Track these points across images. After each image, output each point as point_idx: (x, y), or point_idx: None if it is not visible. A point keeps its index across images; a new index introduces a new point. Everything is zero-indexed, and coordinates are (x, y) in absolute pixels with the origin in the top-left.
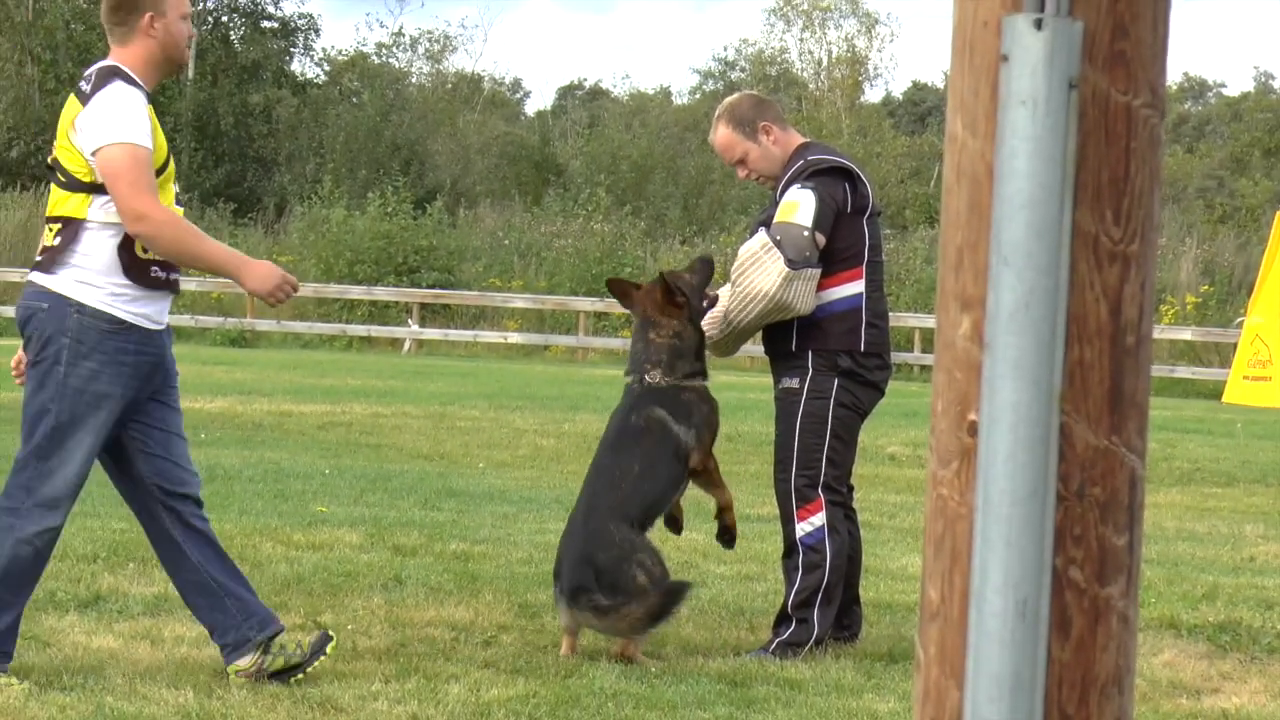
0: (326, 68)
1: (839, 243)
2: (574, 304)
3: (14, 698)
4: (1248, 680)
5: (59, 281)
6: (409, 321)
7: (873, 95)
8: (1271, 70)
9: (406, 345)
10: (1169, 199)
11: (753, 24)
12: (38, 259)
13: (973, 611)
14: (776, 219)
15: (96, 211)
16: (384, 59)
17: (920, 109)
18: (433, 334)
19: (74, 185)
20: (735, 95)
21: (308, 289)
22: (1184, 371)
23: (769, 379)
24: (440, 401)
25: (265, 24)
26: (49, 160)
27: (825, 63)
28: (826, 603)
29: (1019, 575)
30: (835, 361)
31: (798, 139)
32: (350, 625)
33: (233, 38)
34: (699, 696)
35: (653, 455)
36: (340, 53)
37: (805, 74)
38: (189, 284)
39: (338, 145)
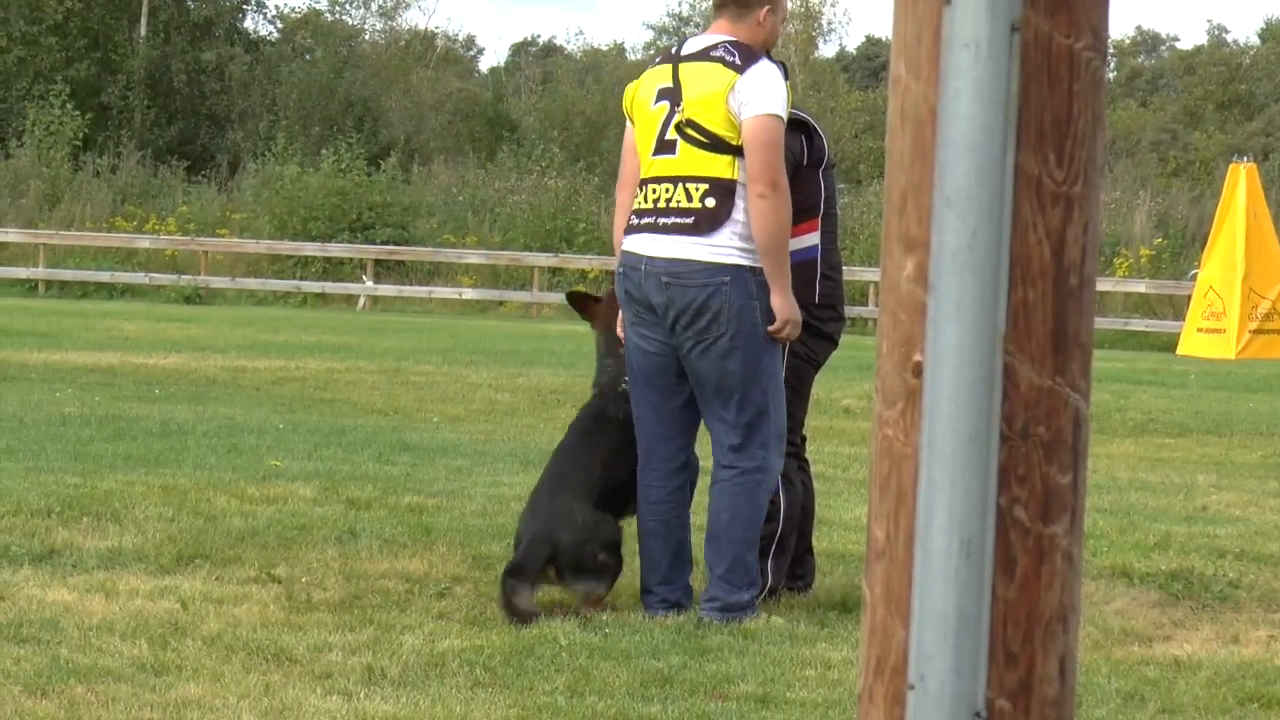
0: (279, 25)
1: (796, 194)
2: (528, 260)
3: None
4: (1199, 628)
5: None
6: (363, 278)
7: (826, 50)
8: (1225, 24)
9: (361, 302)
10: (1122, 152)
11: None
12: (670, 221)
13: (918, 551)
14: None
15: (743, 174)
16: (337, 16)
17: (874, 64)
18: (387, 290)
19: (722, 147)
20: None
21: (261, 245)
22: (1138, 324)
23: None
24: (395, 357)
25: None
26: (678, 122)
27: None
28: (780, 553)
29: (964, 515)
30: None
31: None
32: (305, 578)
33: None
34: (653, 646)
35: (622, 444)
36: (293, 10)
37: None
38: (143, 241)
39: (291, 102)
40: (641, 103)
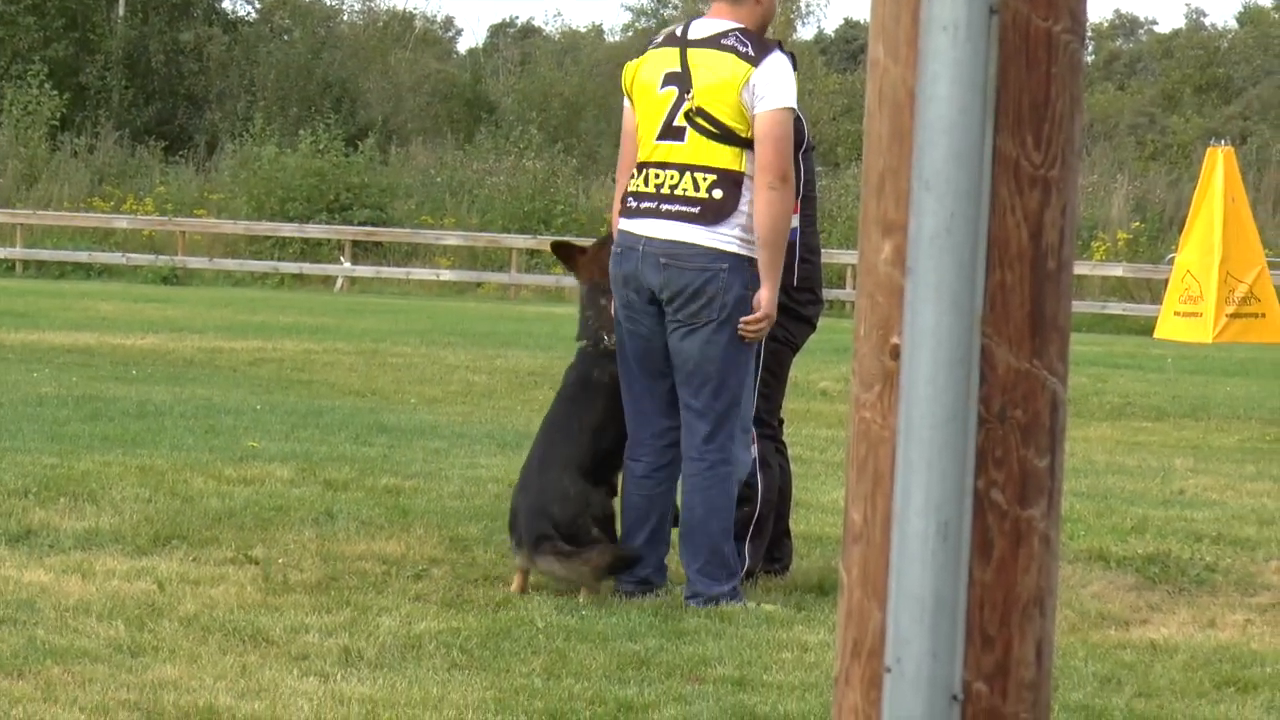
0: (257, 5)
1: None
2: (506, 241)
3: None
4: (1176, 611)
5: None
6: (341, 259)
7: (804, 33)
8: (1203, 7)
9: (339, 283)
10: (1100, 136)
11: None
12: (674, 208)
13: (895, 533)
14: None
15: (749, 166)
16: None
17: (852, 46)
18: (365, 271)
19: (731, 139)
20: None
21: (239, 226)
22: (1115, 308)
23: None
24: (372, 338)
25: None
26: (687, 109)
27: None
28: (757, 535)
29: (940, 497)
30: None
31: None
32: (281, 559)
33: None
34: (630, 629)
35: (609, 410)
36: None
37: None
38: (120, 221)
39: (269, 83)
40: (645, 85)
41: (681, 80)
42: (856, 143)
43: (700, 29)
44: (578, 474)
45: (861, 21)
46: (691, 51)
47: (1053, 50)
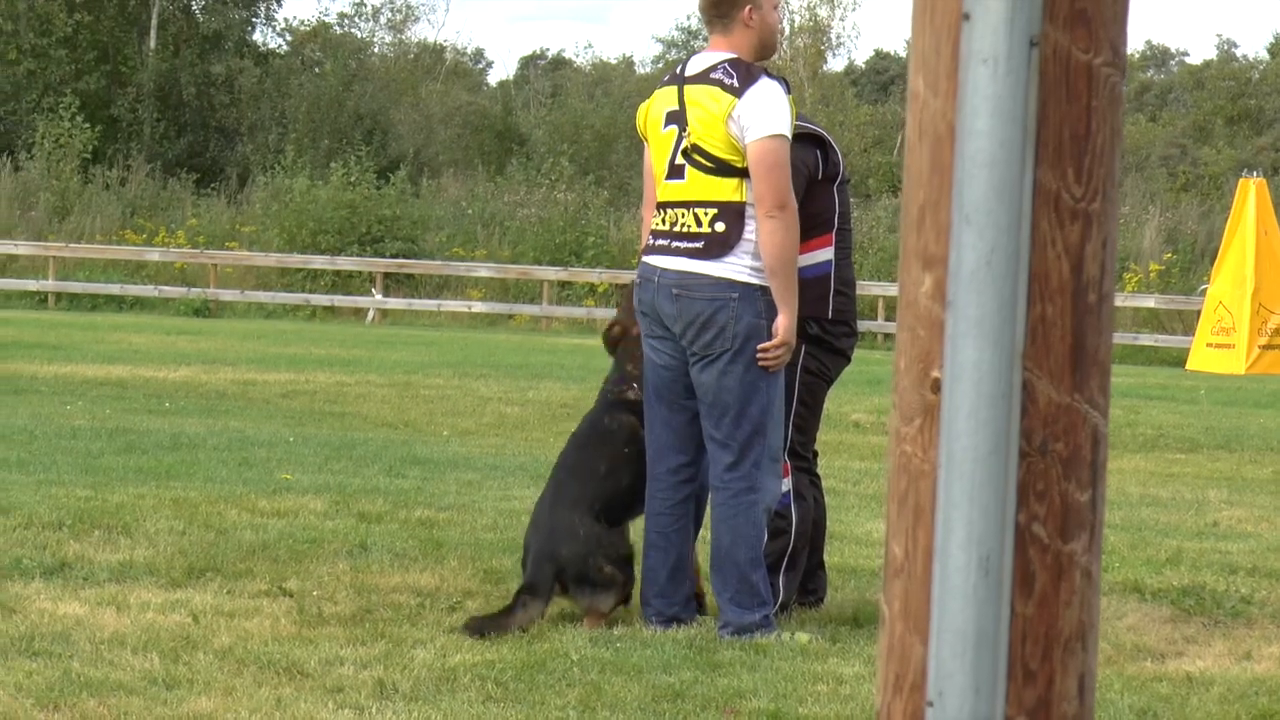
0: (289, 38)
1: (809, 209)
2: (538, 273)
3: None
4: (1211, 644)
5: (732, 269)
6: (373, 291)
7: (835, 64)
8: (1234, 38)
9: (370, 315)
10: (1132, 167)
11: None
12: (682, 245)
13: (936, 567)
14: None
15: (750, 195)
16: (346, 29)
17: (883, 78)
18: (396, 303)
19: (728, 171)
20: None
21: (271, 259)
22: (1147, 339)
23: None
24: (404, 370)
25: None
26: (685, 147)
27: (788, 31)
28: (791, 568)
29: (982, 531)
30: (803, 328)
31: None
32: (315, 591)
33: (195, 8)
34: (664, 661)
35: (620, 457)
36: (302, 23)
37: None
38: (152, 254)
39: (300, 115)
40: (654, 125)
41: (679, 118)
42: (888, 174)
43: (695, 64)
44: (587, 514)
45: (891, 53)
46: (688, 88)
47: (1093, 83)
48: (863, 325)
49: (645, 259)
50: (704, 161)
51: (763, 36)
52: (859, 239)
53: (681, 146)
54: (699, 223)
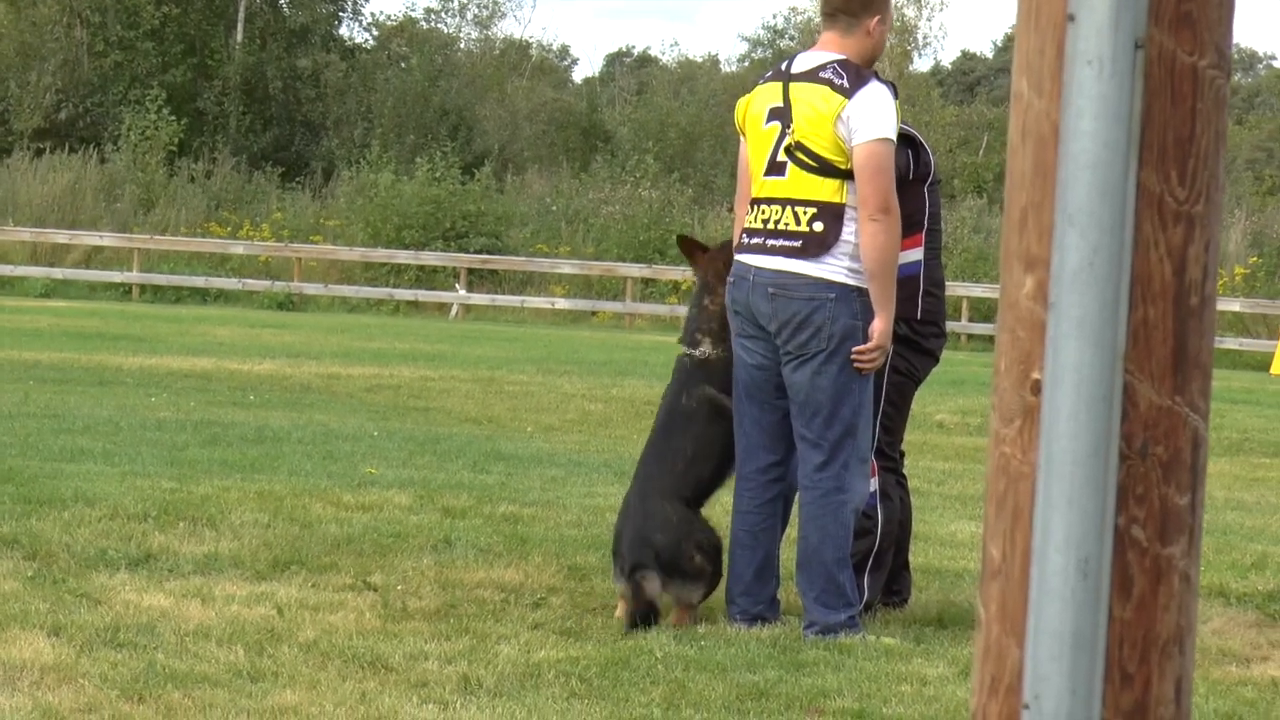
0: (375, 32)
1: (900, 209)
2: (621, 270)
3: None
4: None
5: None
6: (456, 286)
7: (921, 65)
8: None
9: (454, 310)
10: None
11: None
12: (779, 243)
13: (1034, 570)
14: None
15: (852, 198)
16: (432, 24)
17: (969, 79)
18: (480, 299)
19: (831, 171)
20: None
21: (355, 253)
22: (1231, 343)
23: None
24: (488, 366)
25: None
26: (788, 144)
27: None
28: (877, 568)
29: (1081, 534)
30: (893, 328)
31: None
32: (400, 586)
33: (281, 2)
34: (749, 659)
35: (705, 436)
36: (389, 18)
37: None
38: (237, 247)
39: (386, 110)
40: (754, 120)
41: (783, 115)
42: (973, 175)
43: (803, 62)
44: (678, 501)
45: (978, 54)
46: (793, 86)
47: (1198, 85)
48: (947, 325)
49: (739, 258)
50: (807, 160)
51: (875, 49)
52: (943, 239)
53: (784, 144)
54: (797, 221)
